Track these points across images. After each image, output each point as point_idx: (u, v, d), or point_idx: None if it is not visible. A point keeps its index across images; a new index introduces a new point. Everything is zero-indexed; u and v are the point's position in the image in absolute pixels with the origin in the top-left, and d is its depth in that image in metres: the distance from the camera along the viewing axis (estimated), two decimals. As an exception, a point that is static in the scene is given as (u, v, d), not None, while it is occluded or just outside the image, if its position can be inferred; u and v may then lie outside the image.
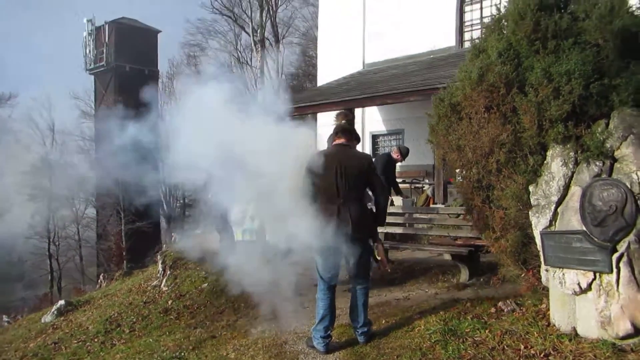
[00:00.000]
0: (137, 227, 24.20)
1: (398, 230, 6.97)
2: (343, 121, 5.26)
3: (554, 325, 3.82)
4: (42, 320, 8.63)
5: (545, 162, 3.87)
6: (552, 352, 3.50)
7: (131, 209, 24.52)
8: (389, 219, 6.98)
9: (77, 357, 5.95)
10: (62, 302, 9.33)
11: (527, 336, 3.73)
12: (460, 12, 12.04)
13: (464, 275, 5.65)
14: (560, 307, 3.81)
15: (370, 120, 13.29)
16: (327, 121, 11.63)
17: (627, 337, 3.45)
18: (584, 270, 3.61)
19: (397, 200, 8.47)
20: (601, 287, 3.56)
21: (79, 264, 29.16)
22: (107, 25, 29.05)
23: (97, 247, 27.08)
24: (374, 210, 4.41)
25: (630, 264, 3.43)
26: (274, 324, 4.96)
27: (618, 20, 3.52)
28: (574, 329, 3.71)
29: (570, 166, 3.70)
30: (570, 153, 3.69)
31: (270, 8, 28.71)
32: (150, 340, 5.73)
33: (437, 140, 4.44)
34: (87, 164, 30.06)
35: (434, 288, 5.63)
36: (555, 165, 3.77)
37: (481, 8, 11.72)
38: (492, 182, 4.18)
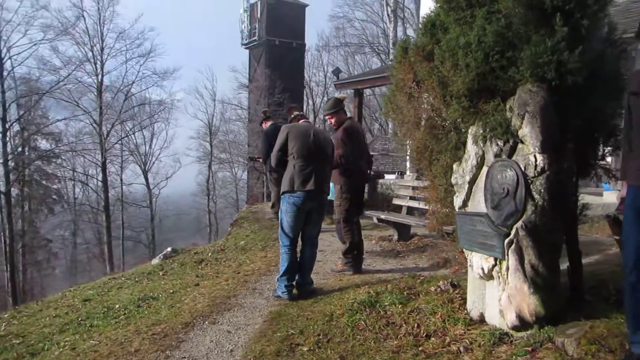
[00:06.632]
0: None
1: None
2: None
3: (466, 309, 3.69)
4: (151, 262, 10.32)
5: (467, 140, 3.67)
6: (438, 334, 3.45)
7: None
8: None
9: (141, 285, 7.13)
10: (169, 249, 10.97)
11: (430, 316, 3.69)
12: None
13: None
14: (472, 291, 3.66)
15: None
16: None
17: (515, 328, 3.24)
18: (486, 254, 3.42)
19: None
20: (500, 274, 3.36)
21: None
22: (259, 2, 31.34)
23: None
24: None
25: (519, 252, 3.19)
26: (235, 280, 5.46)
27: (520, -17, 3.13)
28: (482, 314, 3.55)
29: (481, 144, 3.48)
30: (480, 131, 3.46)
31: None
32: (164, 281, 6.59)
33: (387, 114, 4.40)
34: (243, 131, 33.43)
35: (426, 263, 5.54)
36: (469, 143, 3.56)
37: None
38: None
